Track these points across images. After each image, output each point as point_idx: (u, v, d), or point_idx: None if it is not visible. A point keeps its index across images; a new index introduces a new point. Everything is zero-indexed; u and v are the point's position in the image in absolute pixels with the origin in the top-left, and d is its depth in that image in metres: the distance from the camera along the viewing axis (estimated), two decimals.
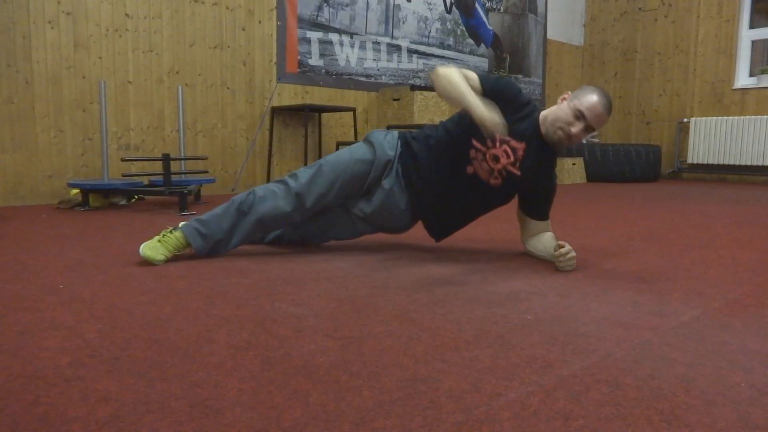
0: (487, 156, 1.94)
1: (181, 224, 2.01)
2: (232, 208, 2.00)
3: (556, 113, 1.93)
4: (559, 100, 1.96)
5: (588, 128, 1.90)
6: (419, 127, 4.42)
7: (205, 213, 2.03)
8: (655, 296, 1.59)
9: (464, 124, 1.96)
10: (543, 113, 1.99)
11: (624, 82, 7.16)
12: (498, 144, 1.92)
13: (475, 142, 1.94)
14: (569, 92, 1.96)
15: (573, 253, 1.88)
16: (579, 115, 1.88)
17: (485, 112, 1.77)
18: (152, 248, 1.91)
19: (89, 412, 0.89)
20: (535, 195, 2.07)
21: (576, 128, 1.88)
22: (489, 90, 1.91)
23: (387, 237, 2.53)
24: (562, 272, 1.87)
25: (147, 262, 1.92)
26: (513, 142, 1.92)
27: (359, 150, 2.05)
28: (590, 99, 1.87)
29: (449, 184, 2.01)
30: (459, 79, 1.84)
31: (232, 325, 1.31)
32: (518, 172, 1.94)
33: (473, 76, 1.90)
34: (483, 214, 2.13)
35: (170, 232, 1.97)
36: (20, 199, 3.63)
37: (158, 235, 1.97)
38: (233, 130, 4.52)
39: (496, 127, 1.78)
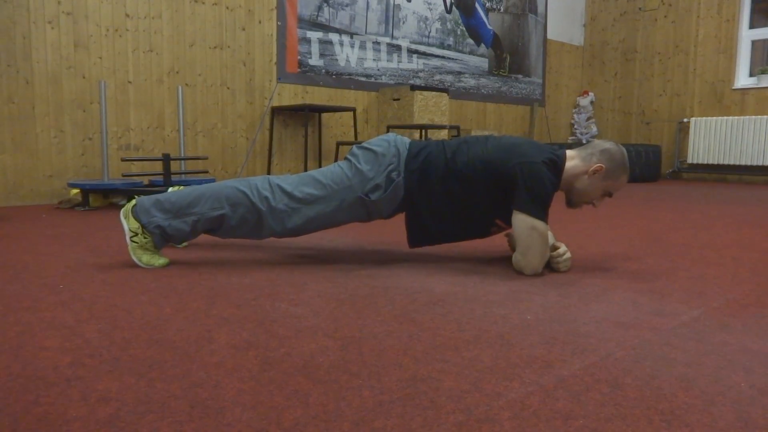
0: (504, 230, 2.00)
1: (142, 223, 1.86)
2: (200, 227, 1.88)
3: (587, 189, 1.90)
4: (591, 171, 1.87)
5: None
6: (420, 128, 4.43)
7: (165, 218, 1.86)
8: (655, 296, 1.59)
9: (491, 199, 1.88)
10: (569, 171, 1.90)
11: (624, 82, 7.16)
12: None
13: (499, 222, 1.95)
14: (601, 164, 1.87)
15: (568, 254, 1.88)
16: (608, 195, 1.95)
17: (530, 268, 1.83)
18: (150, 256, 1.88)
19: (89, 412, 0.89)
20: None
21: (601, 201, 1.96)
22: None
23: (387, 238, 2.53)
24: (562, 272, 1.88)
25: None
26: None
27: (355, 207, 1.90)
28: (622, 182, 1.92)
29: (458, 235, 2.00)
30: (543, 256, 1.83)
31: (232, 325, 1.31)
32: None
33: (544, 228, 1.81)
34: None
35: (143, 236, 1.86)
36: (20, 199, 3.63)
37: (134, 243, 1.87)
38: (233, 130, 4.52)
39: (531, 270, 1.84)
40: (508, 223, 1.94)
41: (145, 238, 1.87)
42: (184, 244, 2.26)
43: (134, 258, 1.88)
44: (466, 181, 1.87)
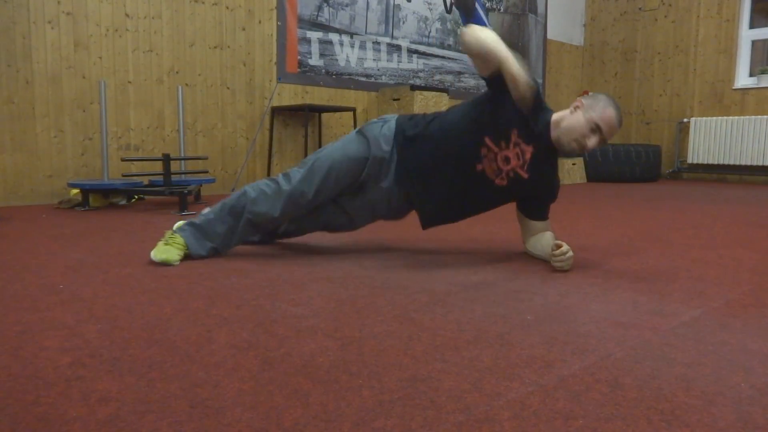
0: (498, 157, 1.92)
1: (176, 227, 2.02)
2: (225, 212, 2.00)
3: (571, 123, 1.89)
4: (572, 108, 1.92)
5: (602, 140, 1.89)
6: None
7: (198, 216, 2.03)
8: (655, 296, 1.59)
9: (476, 118, 1.92)
10: (554, 118, 1.95)
11: (624, 82, 7.16)
12: (512, 146, 1.91)
13: (488, 141, 1.91)
14: (581, 99, 1.92)
15: (570, 253, 1.88)
16: (595, 128, 1.87)
17: (521, 71, 1.74)
18: (165, 251, 1.92)
19: (89, 412, 0.89)
20: (535, 196, 2.06)
21: (592, 142, 1.88)
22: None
23: (387, 238, 2.53)
24: (562, 272, 1.88)
25: (147, 263, 1.93)
26: (523, 145, 1.91)
27: (352, 146, 2.00)
28: (607, 113, 1.85)
29: (453, 181, 1.96)
30: (492, 34, 1.79)
31: (232, 325, 1.31)
32: (526, 175, 1.94)
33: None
34: (481, 212, 2.12)
35: (172, 235, 1.99)
36: (20, 199, 3.63)
37: (162, 239, 1.99)
38: (233, 130, 4.52)
39: (530, 88, 1.77)
40: (496, 141, 1.91)
41: (171, 236, 1.98)
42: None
43: (154, 255, 1.93)
44: (452, 113, 2.00)
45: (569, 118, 1.90)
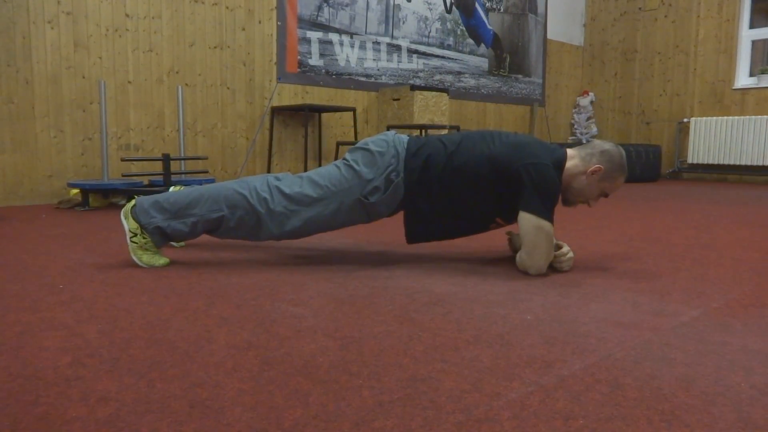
0: (505, 227, 1.98)
1: (142, 219, 1.86)
2: (198, 229, 1.88)
3: (583, 189, 1.91)
4: (589, 172, 1.87)
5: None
6: (419, 128, 4.43)
7: (164, 218, 1.86)
8: (655, 296, 1.59)
9: (492, 206, 1.90)
10: (569, 170, 1.90)
11: (624, 82, 7.16)
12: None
13: (499, 220, 1.97)
14: (600, 165, 1.87)
15: (571, 254, 1.89)
16: (604, 196, 1.95)
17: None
18: (151, 256, 1.89)
19: (89, 412, 0.89)
20: None
21: (596, 202, 1.96)
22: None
23: (387, 238, 2.53)
24: (562, 272, 1.88)
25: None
26: None
27: (354, 210, 1.89)
28: (619, 183, 1.92)
29: (457, 230, 2.01)
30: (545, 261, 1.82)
31: (232, 325, 1.31)
32: None
33: (550, 229, 1.80)
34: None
35: (143, 237, 1.86)
36: (20, 199, 3.63)
37: (134, 243, 1.87)
38: (233, 130, 4.52)
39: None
40: (509, 221, 1.96)
41: (144, 238, 1.87)
42: (182, 243, 2.27)
43: (134, 258, 1.88)
44: (469, 178, 1.86)
45: (582, 182, 1.90)
